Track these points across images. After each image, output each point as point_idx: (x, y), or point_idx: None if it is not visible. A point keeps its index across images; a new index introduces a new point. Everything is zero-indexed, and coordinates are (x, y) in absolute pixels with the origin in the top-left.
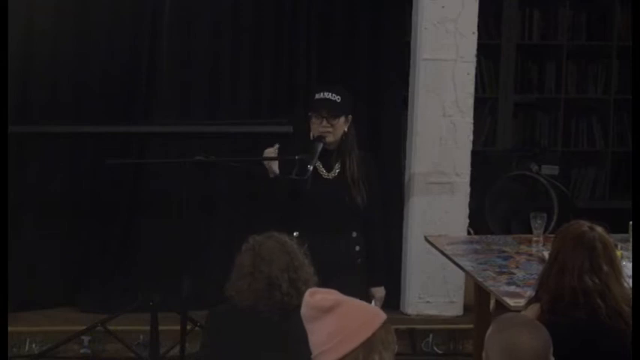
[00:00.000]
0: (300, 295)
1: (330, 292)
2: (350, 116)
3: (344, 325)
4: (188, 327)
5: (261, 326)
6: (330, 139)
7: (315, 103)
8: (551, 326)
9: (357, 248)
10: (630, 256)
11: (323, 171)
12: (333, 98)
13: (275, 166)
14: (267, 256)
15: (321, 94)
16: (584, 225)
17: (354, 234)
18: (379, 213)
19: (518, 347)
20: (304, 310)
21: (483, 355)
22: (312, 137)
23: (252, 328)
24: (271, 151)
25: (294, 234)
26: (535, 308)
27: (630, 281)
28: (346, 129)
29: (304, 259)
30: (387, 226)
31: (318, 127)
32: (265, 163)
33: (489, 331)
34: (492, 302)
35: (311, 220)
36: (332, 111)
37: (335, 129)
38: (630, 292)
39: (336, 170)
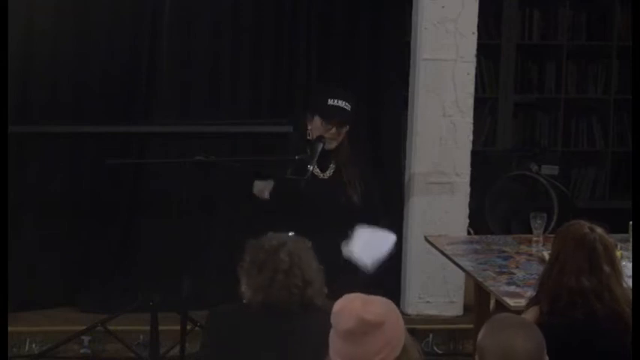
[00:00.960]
0: (304, 296)
1: (373, 303)
2: None
3: (393, 336)
4: (188, 327)
5: (262, 327)
6: (333, 145)
7: (328, 110)
8: (549, 326)
9: None
10: (630, 256)
11: (317, 171)
12: (345, 107)
13: (266, 192)
14: (303, 254)
15: (334, 101)
16: (585, 226)
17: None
18: (378, 212)
19: (514, 349)
20: (353, 324)
21: (476, 357)
22: (310, 137)
23: (254, 329)
24: (261, 184)
25: (290, 234)
26: (534, 311)
27: (630, 281)
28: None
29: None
30: (387, 226)
31: (323, 131)
32: (256, 190)
33: (482, 332)
34: (492, 302)
35: (307, 220)
36: (343, 120)
37: (339, 136)
38: (630, 293)
39: (331, 170)
